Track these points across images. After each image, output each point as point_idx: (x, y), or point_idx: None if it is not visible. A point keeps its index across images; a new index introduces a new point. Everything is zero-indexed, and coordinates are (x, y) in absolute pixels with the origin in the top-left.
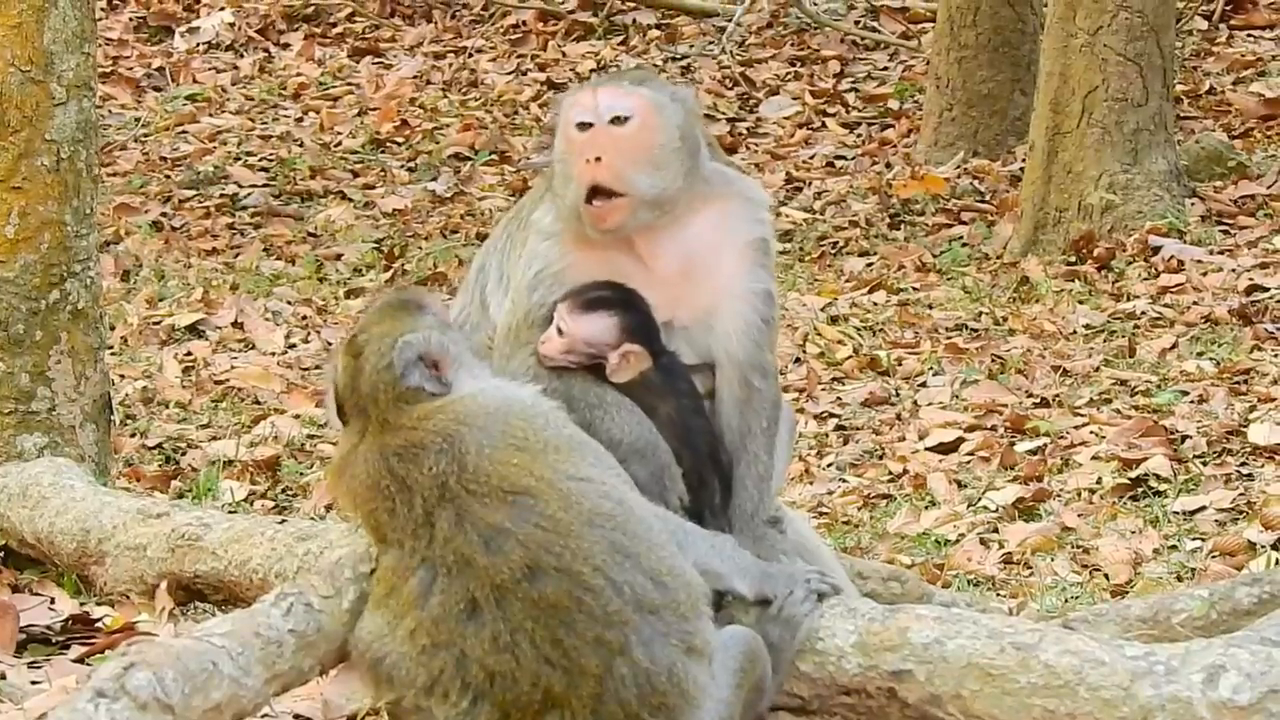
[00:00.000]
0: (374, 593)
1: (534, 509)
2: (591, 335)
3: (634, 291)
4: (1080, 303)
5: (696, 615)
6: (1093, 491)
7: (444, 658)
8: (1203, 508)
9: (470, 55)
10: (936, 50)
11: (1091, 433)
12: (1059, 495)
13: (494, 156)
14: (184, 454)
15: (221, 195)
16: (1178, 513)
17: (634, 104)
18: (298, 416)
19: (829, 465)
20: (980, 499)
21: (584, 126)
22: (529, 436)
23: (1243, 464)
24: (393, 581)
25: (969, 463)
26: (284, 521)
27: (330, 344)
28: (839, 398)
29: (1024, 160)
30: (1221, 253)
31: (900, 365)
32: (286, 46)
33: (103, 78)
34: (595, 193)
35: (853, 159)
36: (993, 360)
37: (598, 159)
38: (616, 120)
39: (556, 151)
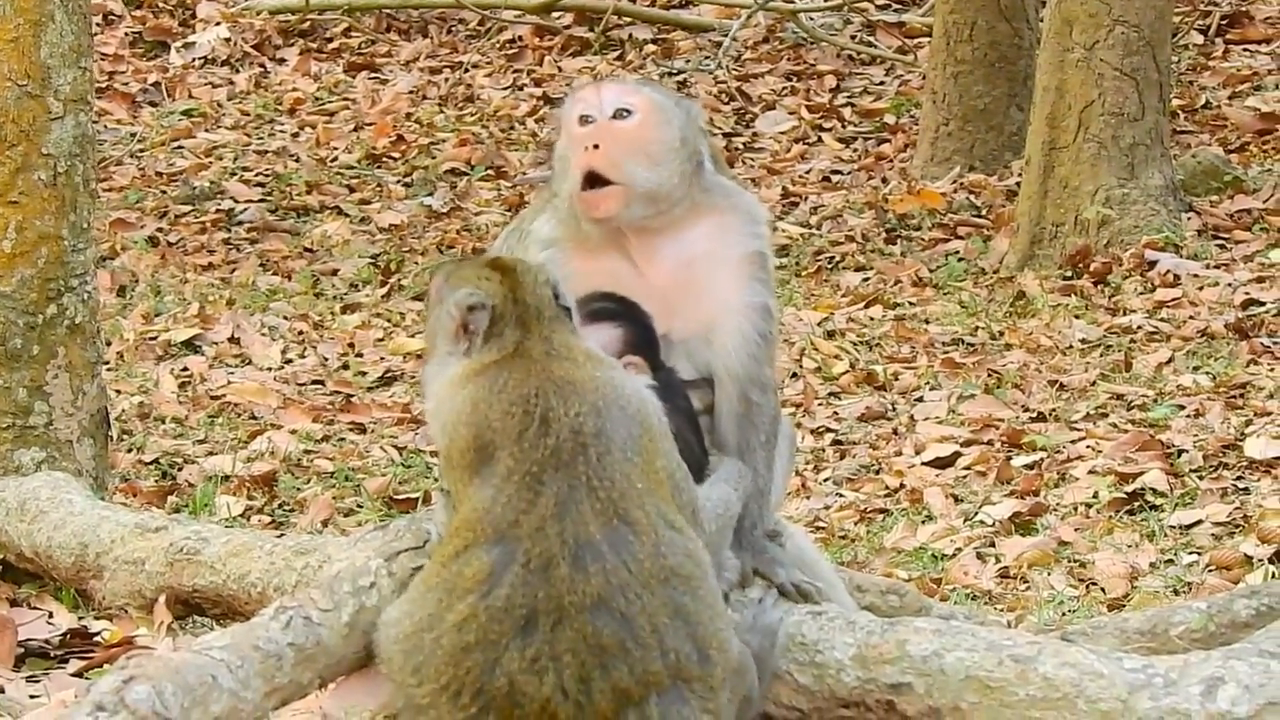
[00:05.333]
0: (439, 551)
1: (630, 546)
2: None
3: (636, 304)
4: (1076, 317)
5: (725, 687)
6: (1089, 506)
7: (477, 658)
8: (1199, 521)
9: (466, 70)
10: (933, 65)
11: (1088, 447)
12: (1055, 509)
13: (490, 172)
14: (180, 469)
15: (217, 210)
16: (1174, 527)
17: (636, 101)
18: (294, 431)
19: (826, 480)
20: (977, 513)
21: (586, 121)
22: (654, 460)
23: (1239, 478)
24: (468, 538)
25: (965, 477)
26: (282, 535)
27: (327, 358)
28: (835, 412)
29: (1020, 175)
30: (1218, 267)
31: (897, 380)
32: (282, 62)
33: (99, 93)
34: (591, 181)
35: (849, 174)
36: (989, 375)
37: (595, 146)
38: (618, 115)
39: (559, 148)
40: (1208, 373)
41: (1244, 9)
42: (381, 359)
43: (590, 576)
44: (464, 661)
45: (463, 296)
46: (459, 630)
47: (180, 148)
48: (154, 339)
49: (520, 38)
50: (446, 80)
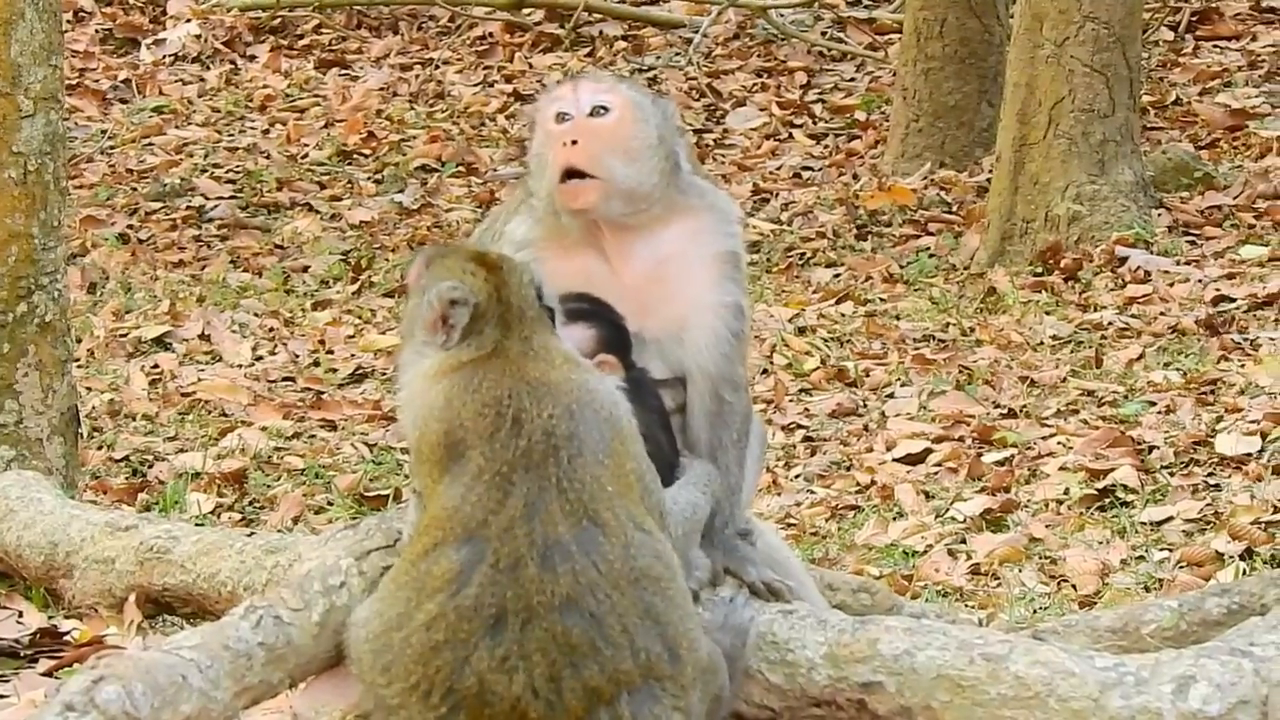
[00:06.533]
0: (408, 549)
1: (599, 547)
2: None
3: (609, 305)
4: (1047, 313)
5: (694, 686)
6: (1060, 502)
7: (446, 657)
8: (1170, 518)
9: (437, 67)
10: (903, 62)
11: (1059, 443)
12: (1026, 506)
13: (461, 168)
14: (151, 467)
15: (188, 207)
16: (1145, 523)
17: (614, 98)
18: (265, 429)
19: (797, 476)
20: (948, 510)
21: (562, 118)
22: (625, 464)
23: (1210, 474)
24: (437, 537)
25: (936, 473)
26: (253, 534)
27: (297, 355)
28: (806, 409)
29: (991, 171)
30: (1188, 263)
31: (868, 376)
32: (253, 58)
33: (69, 90)
34: (570, 175)
35: (820, 170)
36: (960, 371)
37: (574, 143)
38: (596, 112)
39: (534, 145)
40: (1178, 369)
41: (1214, 5)
42: (352, 356)
43: (559, 576)
44: (433, 661)
45: (445, 289)
46: (428, 629)
47: (151, 145)
48: (124, 336)
49: (491, 34)
50: (417, 77)
